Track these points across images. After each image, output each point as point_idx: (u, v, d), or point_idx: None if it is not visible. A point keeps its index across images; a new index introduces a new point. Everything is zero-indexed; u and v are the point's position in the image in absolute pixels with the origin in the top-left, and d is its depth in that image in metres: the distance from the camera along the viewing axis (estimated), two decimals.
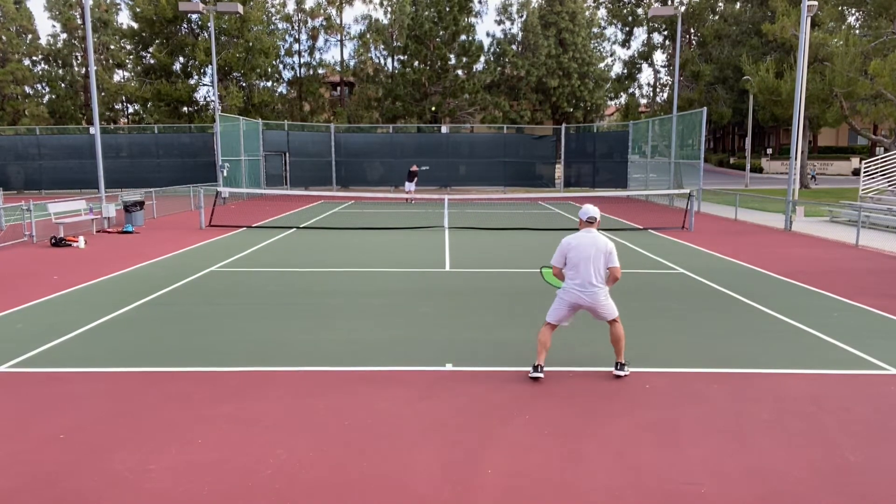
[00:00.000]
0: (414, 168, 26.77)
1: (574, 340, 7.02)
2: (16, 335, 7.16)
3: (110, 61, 46.40)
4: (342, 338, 7.10)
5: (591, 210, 5.88)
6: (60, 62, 46.46)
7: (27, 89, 45.12)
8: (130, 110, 50.03)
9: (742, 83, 37.76)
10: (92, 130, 27.10)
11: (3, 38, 42.51)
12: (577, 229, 5.97)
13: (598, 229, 6.01)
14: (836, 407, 5.22)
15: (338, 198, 28.69)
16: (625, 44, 65.67)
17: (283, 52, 45.55)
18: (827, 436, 4.69)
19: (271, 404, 5.24)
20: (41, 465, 4.22)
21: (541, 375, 5.75)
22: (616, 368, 5.88)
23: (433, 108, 37.78)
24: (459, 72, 42.70)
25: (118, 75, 47.32)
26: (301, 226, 18.03)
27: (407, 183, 26.23)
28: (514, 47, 51.23)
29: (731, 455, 4.38)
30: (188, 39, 39.86)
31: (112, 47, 46.19)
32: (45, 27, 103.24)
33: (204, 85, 42.49)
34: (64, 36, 46.47)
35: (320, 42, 48.34)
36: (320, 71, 47.74)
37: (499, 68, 48.52)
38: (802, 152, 32.81)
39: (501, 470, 4.17)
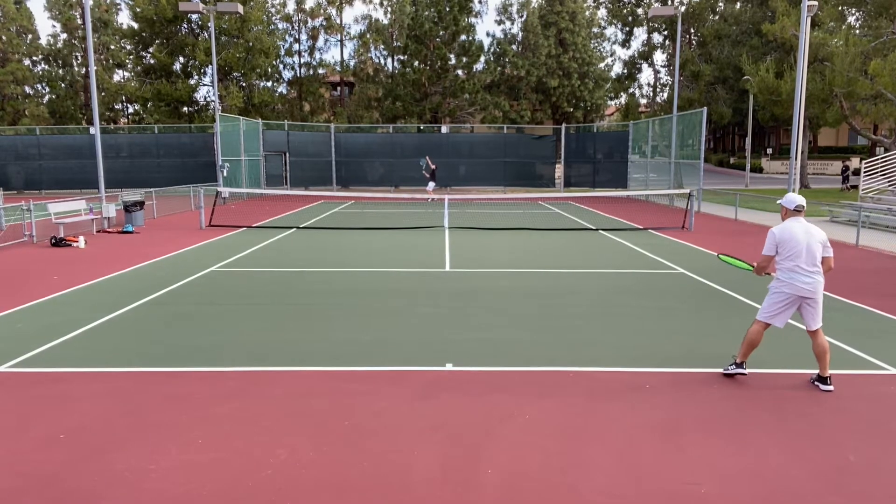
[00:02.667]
0: (433, 166, 26.68)
1: (575, 340, 7.03)
2: (16, 335, 7.16)
3: (110, 61, 46.39)
4: (342, 338, 7.10)
5: (798, 198, 5.65)
6: (60, 62, 46.47)
7: (27, 89, 45.12)
8: (130, 110, 50.03)
9: (742, 83, 37.76)
10: (92, 130, 27.11)
11: (3, 38, 42.51)
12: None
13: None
14: (836, 407, 5.22)
15: (338, 198, 28.70)
16: (625, 44, 65.83)
17: (283, 52, 45.54)
18: (827, 436, 4.69)
19: (271, 404, 5.24)
20: (41, 465, 4.22)
21: (745, 373, 5.74)
22: (822, 383, 5.58)
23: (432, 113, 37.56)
24: (459, 72, 42.70)
25: (118, 75, 47.34)
26: (301, 226, 18.03)
27: (430, 182, 26.23)
28: (514, 47, 51.22)
29: (731, 455, 4.38)
30: (188, 39, 39.86)
31: (112, 47, 46.18)
32: (45, 27, 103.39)
33: (204, 85, 42.51)
34: (64, 36, 46.49)
35: (320, 42, 48.36)
36: (320, 71, 47.73)
37: (499, 68, 48.49)
38: (802, 152, 32.79)
39: (501, 470, 4.17)
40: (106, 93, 43.97)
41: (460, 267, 11.55)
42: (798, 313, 5.73)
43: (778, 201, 5.94)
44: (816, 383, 5.62)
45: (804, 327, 7.45)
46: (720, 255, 6.60)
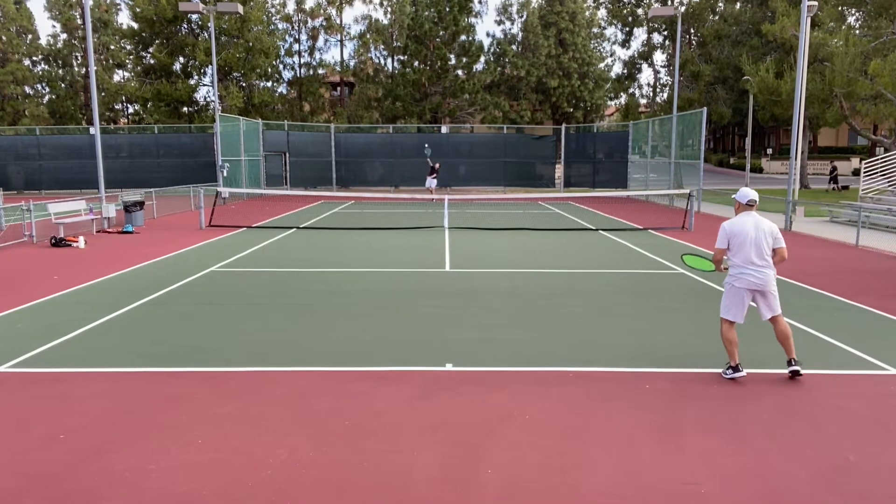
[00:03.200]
0: (437, 165, 27.08)
1: (575, 340, 7.03)
2: (16, 335, 7.16)
3: (110, 61, 46.41)
4: (342, 338, 7.10)
5: (751, 193, 5.82)
6: (60, 62, 46.47)
7: (27, 89, 45.13)
8: (130, 110, 50.05)
9: (742, 83, 37.75)
10: (92, 130, 27.10)
11: (3, 38, 42.51)
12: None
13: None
14: (836, 407, 5.22)
15: (338, 198, 28.70)
16: (625, 44, 65.78)
17: (283, 53, 45.54)
18: (827, 436, 4.69)
19: (271, 404, 5.24)
20: (41, 465, 4.22)
21: (744, 374, 5.76)
22: (790, 364, 5.75)
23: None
24: (459, 72, 42.71)
25: (118, 75, 47.36)
26: (301, 226, 18.03)
27: (428, 178, 26.55)
28: (514, 47, 51.23)
29: (731, 455, 4.38)
30: (188, 39, 39.86)
31: (112, 47, 46.19)
32: (45, 27, 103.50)
33: (204, 85, 42.51)
34: (64, 36, 46.50)
35: (320, 42, 48.38)
36: (320, 71, 47.74)
37: (499, 68, 48.51)
38: (802, 152, 32.81)
39: (501, 470, 4.17)
40: (106, 93, 43.97)
41: (460, 267, 11.55)
42: (754, 304, 5.86)
43: (732, 196, 6.05)
44: (791, 369, 5.75)
45: (805, 327, 7.48)
46: (684, 257, 6.60)
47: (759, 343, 6.92)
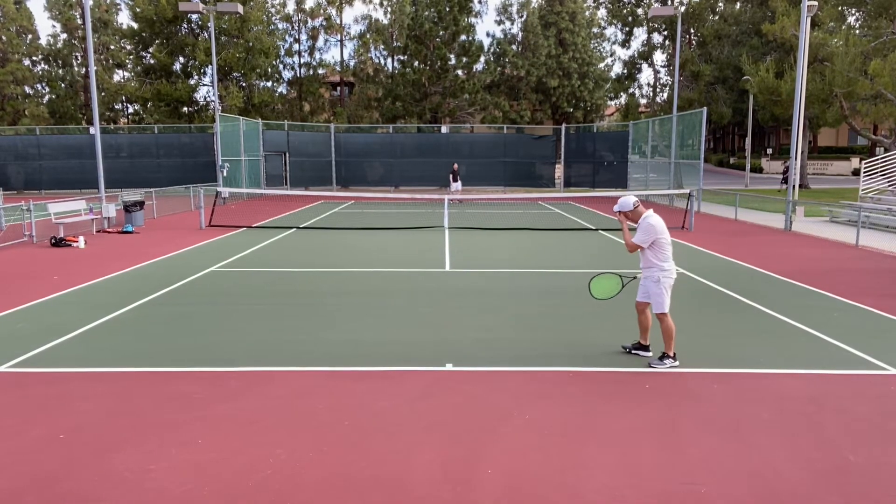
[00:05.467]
0: (455, 167, 26.61)
1: (575, 340, 7.03)
2: (16, 335, 7.16)
3: (110, 61, 46.39)
4: (342, 338, 7.10)
5: (633, 196, 6.44)
6: (60, 62, 46.45)
7: (27, 89, 45.10)
8: (130, 110, 49.99)
9: (742, 83, 37.74)
10: (92, 130, 27.10)
11: (3, 38, 42.49)
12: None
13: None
14: (836, 407, 5.21)
15: (338, 198, 28.70)
16: (625, 44, 65.75)
17: (283, 52, 45.54)
18: (827, 436, 4.69)
19: (271, 404, 5.24)
20: (41, 465, 4.22)
21: (677, 363, 6.15)
22: (643, 350, 6.41)
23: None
24: (459, 72, 42.71)
25: (118, 75, 47.33)
26: (301, 226, 18.03)
27: (453, 183, 25.94)
28: (514, 47, 51.21)
29: (731, 455, 4.38)
30: (188, 39, 39.86)
31: (112, 47, 46.18)
32: (45, 27, 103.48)
33: (204, 85, 42.50)
34: (64, 36, 46.47)
35: (320, 42, 48.35)
36: (320, 71, 47.72)
37: (499, 68, 48.49)
38: (802, 152, 32.80)
39: (501, 470, 4.17)
40: (106, 93, 43.95)
41: (460, 267, 11.55)
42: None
43: (617, 208, 6.38)
44: (637, 352, 6.38)
45: (805, 327, 7.49)
46: (591, 285, 6.65)
47: (758, 344, 6.93)
